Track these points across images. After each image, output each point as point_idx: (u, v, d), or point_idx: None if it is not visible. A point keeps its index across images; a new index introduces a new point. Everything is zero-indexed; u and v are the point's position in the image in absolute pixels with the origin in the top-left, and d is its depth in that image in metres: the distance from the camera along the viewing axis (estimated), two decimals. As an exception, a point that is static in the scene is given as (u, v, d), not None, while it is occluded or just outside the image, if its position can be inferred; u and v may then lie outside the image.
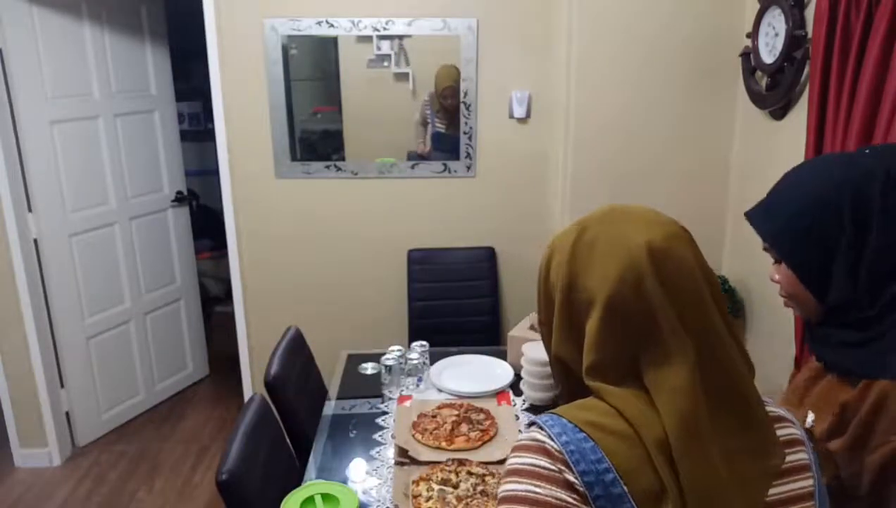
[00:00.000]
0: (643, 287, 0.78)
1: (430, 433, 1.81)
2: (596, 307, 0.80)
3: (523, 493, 0.77)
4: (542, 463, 0.78)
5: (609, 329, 0.80)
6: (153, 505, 2.84)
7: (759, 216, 1.18)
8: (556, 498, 0.76)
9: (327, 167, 2.98)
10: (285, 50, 2.84)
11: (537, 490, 0.77)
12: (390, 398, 2.09)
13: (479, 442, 1.79)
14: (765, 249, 1.19)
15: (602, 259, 0.81)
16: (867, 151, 1.15)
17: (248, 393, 3.19)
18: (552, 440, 0.79)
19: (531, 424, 0.85)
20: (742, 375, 0.80)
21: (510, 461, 0.82)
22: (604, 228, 0.83)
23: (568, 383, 0.89)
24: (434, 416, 1.90)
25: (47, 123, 2.90)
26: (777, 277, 1.16)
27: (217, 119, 2.90)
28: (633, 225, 0.82)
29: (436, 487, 1.58)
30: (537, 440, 0.81)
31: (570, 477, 0.76)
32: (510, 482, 0.79)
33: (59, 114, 2.94)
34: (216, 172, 2.99)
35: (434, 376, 2.15)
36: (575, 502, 0.76)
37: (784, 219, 1.12)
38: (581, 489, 0.75)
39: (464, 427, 1.83)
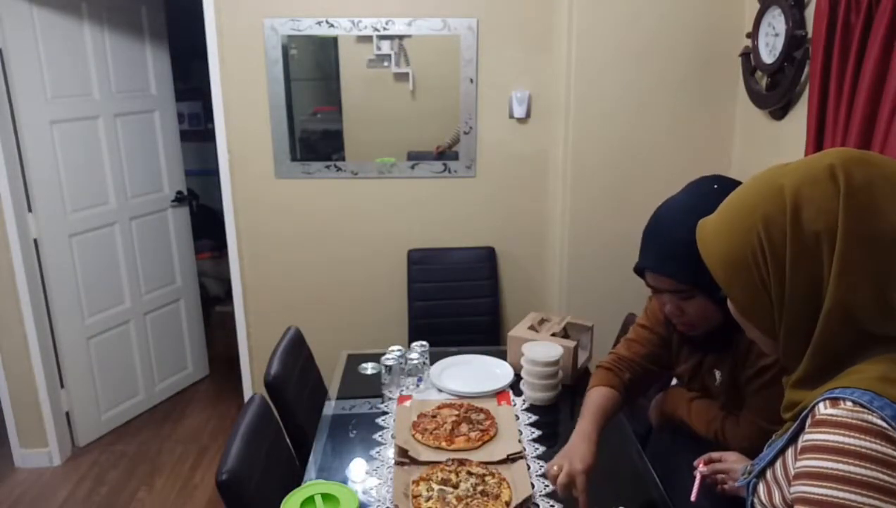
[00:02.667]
0: None
1: (430, 433, 1.81)
2: None
3: (872, 479, 0.73)
4: (890, 451, 0.73)
5: None
6: (153, 505, 2.84)
7: (661, 262, 1.39)
8: None
9: (327, 167, 2.98)
10: (285, 50, 2.84)
11: (889, 479, 0.73)
12: (390, 398, 2.08)
13: (479, 442, 1.78)
14: (668, 290, 1.41)
15: (894, 194, 0.80)
16: (715, 186, 1.40)
17: (248, 393, 3.19)
18: (891, 427, 0.74)
19: (835, 399, 0.79)
20: None
21: (831, 437, 0.77)
22: (868, 169, 0.81)
23: (841, 337, 0.83)
24: (434, 416, 1.90)
25: (47, 123, 2.90)
26: (679, 310, 1.41)
27: (217, 119, 2.90)
28: (894, 166, 0.83)
29: (436, 487, 1.58)
30: (873, 423, 0.75)
31: None
32: (845, 462, 0.75)
33: (59, 114, 2.94)
34: (216, 172, 2.99)
35: (434, 376, 2.15)
36: None
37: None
38: None
39: (464, 427, 1.83)
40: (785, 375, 0.92)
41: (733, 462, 1.29)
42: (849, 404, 0.77)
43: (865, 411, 0.76)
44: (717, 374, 1.52)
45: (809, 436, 0.80)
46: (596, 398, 1.63)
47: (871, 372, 0.79)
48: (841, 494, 0.74)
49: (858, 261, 0.79)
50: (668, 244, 1.36)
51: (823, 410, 0.80)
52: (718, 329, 1.41)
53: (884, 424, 0.75)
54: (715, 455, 1.34)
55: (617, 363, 1.69)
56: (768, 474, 0.91)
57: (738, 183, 1.41)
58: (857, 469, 0.74)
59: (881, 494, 0.73)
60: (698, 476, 1.32)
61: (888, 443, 0.74)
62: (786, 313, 0.84)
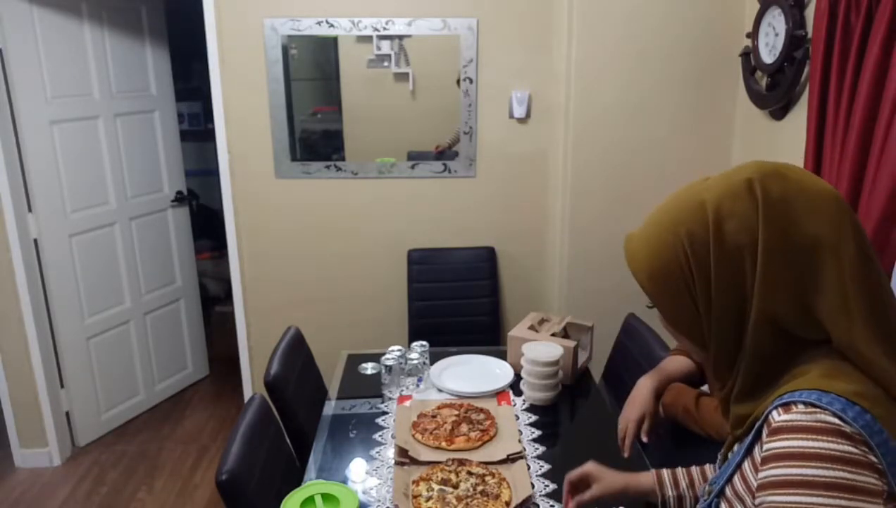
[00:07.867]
0: (858, 226, 0.82)
1: (430, 433, 1.81)
2: (827, 250, 0.81)
3: (834, 479, 0.75)
4: (847, 448, 0.75)
5: (865, 269, 0.81)
6: (153, 505, 2.84)
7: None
8: (871, 484, 0.74)
9: (327, 167, 2.98)
10: (285, 50, 2.84)
11: (855, 476, 0.74)
12: (390, 398, 2.09)
13: (479, 442, 1.78)
14: None
15: (809, 204, 0.82)
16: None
17: (248, 393, 3.19)
18: (844, 421, 0.76)
19: (786, 404, 0.81)
20: None
21: (790, 443, 0.78)
22: (783, 182, 0.84)
23: (771, 345, 0.85)
24: (434, 416, 1.90)
25: (47, 123, 2.90)
26: None
27: (217, 119, 2.90)
28: (807, 177, 0.86)
29: (436, 487, 1.58)
30: (828, 422, 0.76)
31: (873, 458, 0.75)
32: (807, 466, 0.76)
33: (59, 114, 2.94)
34: (216, 172, 2.99)
35: (434, 376, 2.15)
36: (881, 484, 0.74)
37: None
38: (881, 467, 0.75)
39: (464, 427, 1.83)
40: (718, 391, 0.93)
41: (600, 486, 1.30)
42: (800, 406, 0.79)
43: (818, 410, 0.78)
44: None
45: (768, 445, 0.81)
46: (666, 361, 1.73)
47: (814, 372, 0.82)
48: (807, 499, 0.76)
49: (778, 271, 0.81)
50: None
51: (778, 417, 0.81)
52: None
53: (836, 420, 0.76)
54: (573, 475, 1.33)
55: None
56: (728, 491, 0.91)
57: None
58: (820, 472, 0.75)
59: (846, 492, 0.74)
60: None
61: (844, 440, 0.75)
62: (714, 323, 0.86)
